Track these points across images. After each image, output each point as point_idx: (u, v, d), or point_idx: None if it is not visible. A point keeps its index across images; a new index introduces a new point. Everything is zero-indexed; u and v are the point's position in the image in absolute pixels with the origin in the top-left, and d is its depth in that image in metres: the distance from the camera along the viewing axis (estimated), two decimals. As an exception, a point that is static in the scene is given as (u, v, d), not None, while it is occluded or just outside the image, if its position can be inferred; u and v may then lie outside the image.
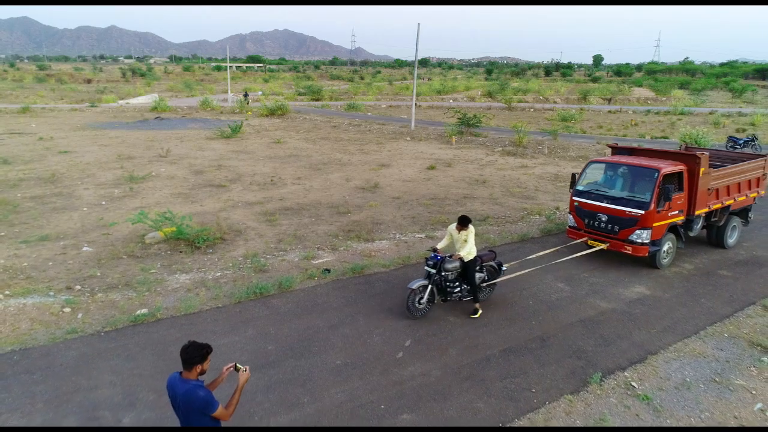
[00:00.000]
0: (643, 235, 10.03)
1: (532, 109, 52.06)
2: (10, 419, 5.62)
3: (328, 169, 20.61)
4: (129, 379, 6.38)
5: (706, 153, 11.08)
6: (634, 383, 6.54)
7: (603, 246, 10.59)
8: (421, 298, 8.22)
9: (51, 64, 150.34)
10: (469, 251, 8.29)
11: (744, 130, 34.02)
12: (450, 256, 8.38)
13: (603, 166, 11.47)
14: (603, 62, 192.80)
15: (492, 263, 8.99)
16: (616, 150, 12.26)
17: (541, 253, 10.37)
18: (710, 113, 45.36)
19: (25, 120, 34.51)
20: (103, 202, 15.30)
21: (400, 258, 10.83)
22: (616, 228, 10.37)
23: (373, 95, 68.60)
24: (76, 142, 26.18)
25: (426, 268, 8.37)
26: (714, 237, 12.07)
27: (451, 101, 61.68)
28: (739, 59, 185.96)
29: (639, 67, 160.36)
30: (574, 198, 11.21)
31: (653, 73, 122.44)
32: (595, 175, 11.46)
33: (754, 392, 6.44)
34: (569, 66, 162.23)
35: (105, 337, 7.43)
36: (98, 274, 9.97)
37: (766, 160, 12.50)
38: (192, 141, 27.12)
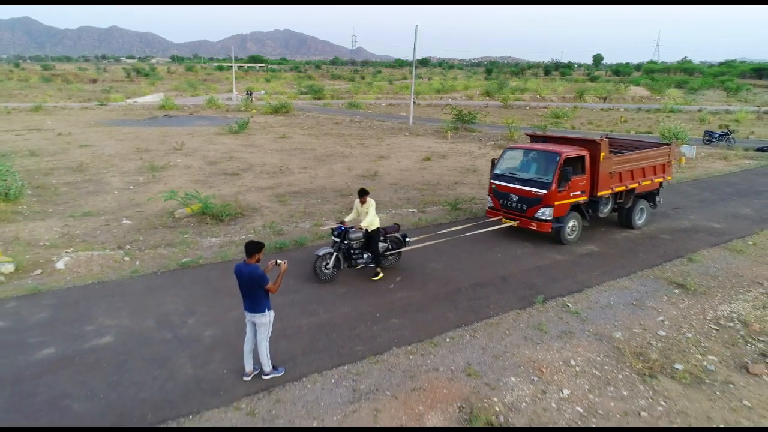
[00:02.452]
0: (546, 213, 11.07)
1: (528, 107, 53.93)
2: (105, 321, 7.67)
3: (332, 160, 22.50)
4: (186, 300, 8.44)
5: (606, 139, 11.78)
6: (569, 304, 8.59)
7: (514, 223, 11.71)
8: (327, 264, 9.11)
9: (55, 64, 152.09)
10: (370, 222, 9.15)
11: (727, 126, 35.91)
12: (353, 227, 9.34)
13: (517, 152, 12.45)
14: (603, 62, 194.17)
15: (396, 235, 9.92)
16: (534, 138, 13.33)
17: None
18: (698, 111, 47.27)
19: (39, 118, 36.14)
20: (131, 187, 17.21)
21: (394, 225, 12.85)
22: (524, 207, 11.41)
23: (374, 94, 70.54)
24: (94, 137, 27.94)
25: (332, 237, 9.30)
26: (624, 218, 13.00)
27: (449, 100, 63.61)
28: (740, 59, 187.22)
29: (638, 67, 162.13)
30: (491, 181, 12.23)
31: (651, 73, 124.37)
32: (511, 160, 12.38)
33: (660, 311, 8.46)
34: (569, 66, 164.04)
35: (161, 275, 9.49)
36: (141, 238, 11.95)
37: (670, 149, 13.37)
38: (202, 136, 28.96)
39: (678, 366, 6.87)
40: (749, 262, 10.80)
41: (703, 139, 29.50)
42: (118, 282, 9.11)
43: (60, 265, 9.74)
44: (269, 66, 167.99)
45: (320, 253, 9.10)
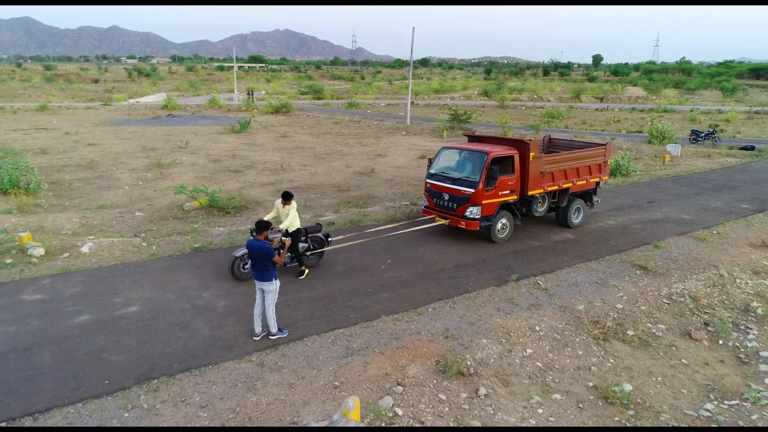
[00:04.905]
0: (474, 211, 11.21)
1: (524, 107, 54.99)
2: (131, 294, 8.75)
3: (331, 158, 23.50)
4: (200, 277, 9.53)
5: (536, 140, 11.99)
6: (540, 282, 9.67)
7: (445, 222, 11.84)
8: (245, 264, 9.20)
9: (56, 64, 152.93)
10: (290, 223, 9.11)
11: (716, 125, 36.96)
12: (272, 228, 9.19)
13: (451, 151, 12.57)
14: (602, 62, 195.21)
15: (318, 235, 10.08)
16: (471, 138, 13.38)
17: None
18: (690, 111, 48.29)
19: (45, 117, 36.95)
20: (140, 183, 18.23)
21: (388, 216, 13.98)
22: (455, 205, 11.56)
23: (374, 94, 71.54)
24: (100, 136, 28.84)
25: (250, 237, 9.43)
26: (560, 217, 13.18)
27: (447, 100, 64.64)
28: (740, 59, 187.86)
29: (637, 67, 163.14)
30: (427, 180, 12.37)
31: (650, 73, 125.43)
32: (445, 159, 12.50)
33: (620, 288, 9.54)
34: (568, 66, 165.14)
35: (177, 258, 10.58)
36: (154, 228, 13.00)
37: (605, 149, 13.40)
38: (205, 135, 29.92)
39: (629, 332, 7.93)
40: (710, 248, 11.87)
41: (689, 138, 30.56)
42: (138, 263, 10.19)
43: (85, 249, 10.81)
44: (270, 66, 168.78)
45: (237, 254, 9.20)
